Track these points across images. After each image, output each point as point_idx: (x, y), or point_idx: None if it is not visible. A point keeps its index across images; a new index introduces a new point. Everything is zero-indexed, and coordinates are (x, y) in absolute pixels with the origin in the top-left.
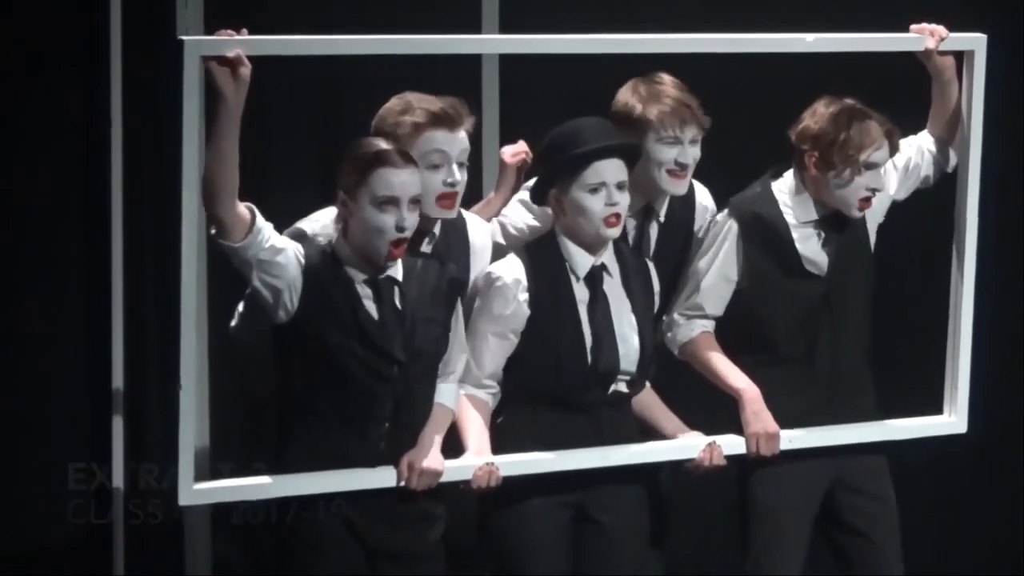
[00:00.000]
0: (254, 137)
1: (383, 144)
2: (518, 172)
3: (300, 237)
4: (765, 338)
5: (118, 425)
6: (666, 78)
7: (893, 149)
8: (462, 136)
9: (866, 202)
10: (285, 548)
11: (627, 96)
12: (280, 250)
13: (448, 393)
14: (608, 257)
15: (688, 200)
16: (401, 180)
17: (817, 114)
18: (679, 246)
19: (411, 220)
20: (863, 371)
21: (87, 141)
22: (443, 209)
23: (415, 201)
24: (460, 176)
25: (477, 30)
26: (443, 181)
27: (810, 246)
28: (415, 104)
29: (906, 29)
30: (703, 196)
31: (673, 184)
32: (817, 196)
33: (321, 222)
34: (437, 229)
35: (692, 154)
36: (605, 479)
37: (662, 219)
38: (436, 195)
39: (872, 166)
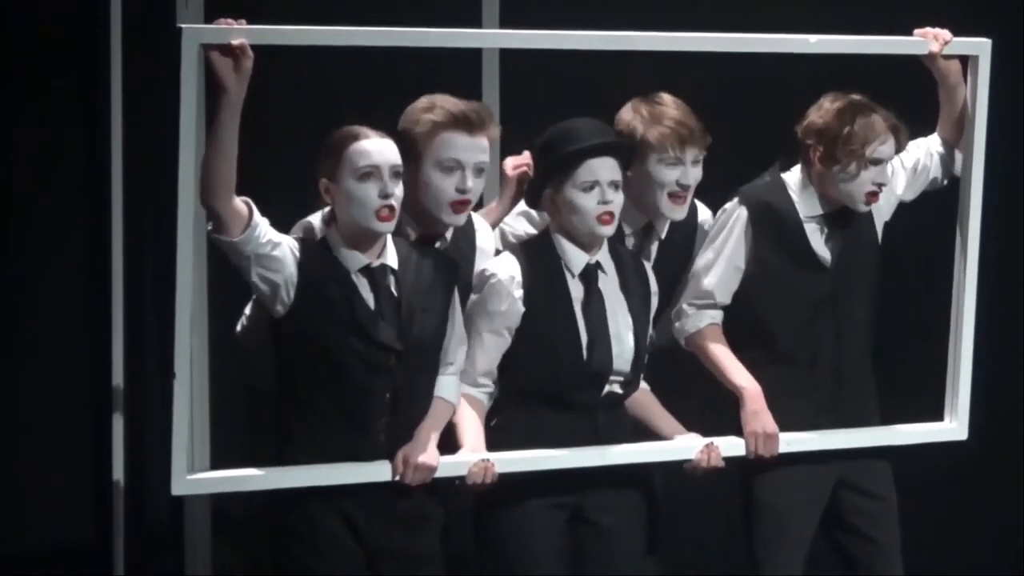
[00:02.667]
0: (253, 134)
1: (356, 126)
2: (519, 183)
3: (307, 230)
4: (766, 336)
5: (118, 424)
6: (667, 98)
7: (899, 145)
8: (482, 143)
9: (873, 196)
10: (284, 548)
11: (628, 117)
12: (276, 244)
13: (448, 387)
14: (603, 256)
15: (689, 221)
16: (377, 148)
17: (822, 109)
18: (679, 265)
19: (394, 188)
20: (866, 373)
21: (87, 137)
22: (455, 214)
23: (396, 173)
24: (473, 183)
25: (477, 25)
26: (455, 187)
27: (815, 241)
28: (438, 104)
29: (912, 32)
30: (703, 214)
31: (673, 209)
32: (823, 191)
33: (313, 222)
34: (449, 235)
35: (694, 175)
36: (601, 481)
37: (663, 237)
38: (449, 201)
39: (877, 161)
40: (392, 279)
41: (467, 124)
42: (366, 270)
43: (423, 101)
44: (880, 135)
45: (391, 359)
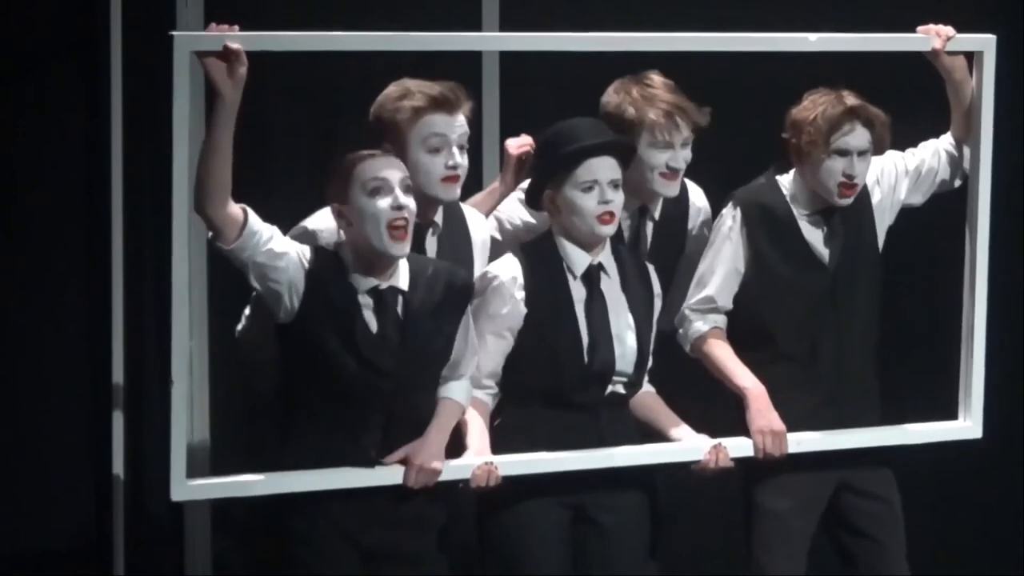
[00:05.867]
0: (254, 138)
1: (361, 150)
2: (521, 163)
3: (305, 236)
4: (767, 335)
5: (118, 425)
6: (656, 79)
7: (877, 139)
8: (461, 120)
9: (846, 188)
10: (283, 548)
11: (618, 98)
12: (280, 254)
13: (459, 389)
14: (605, 257)
15: (681, 200)
16: (385, 163)
17: (802, 102)
18: (675, 245)
19: (407, 202)
20: (868, 373)
21: (87, 141)
22: (448, 187)
23: (407, 186)
24: (461, 159)
25: (477, 28)
26: (445, 164)
27: (813, 238)
28: (413, 89)
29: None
30: (697, 197)
31: (665, 186)
32: (808, 186)
33: (325, 219)
34: (440, 219)
35: (683, 156)
36: (605, 480)
37: (657, 218)
38: (440, 177)
39: (843, 151)
40: (400, 300)
41: (446, 104)
42: (374, 291)
43: (394, 89)
44: (845, 125)
45: (387, 381)
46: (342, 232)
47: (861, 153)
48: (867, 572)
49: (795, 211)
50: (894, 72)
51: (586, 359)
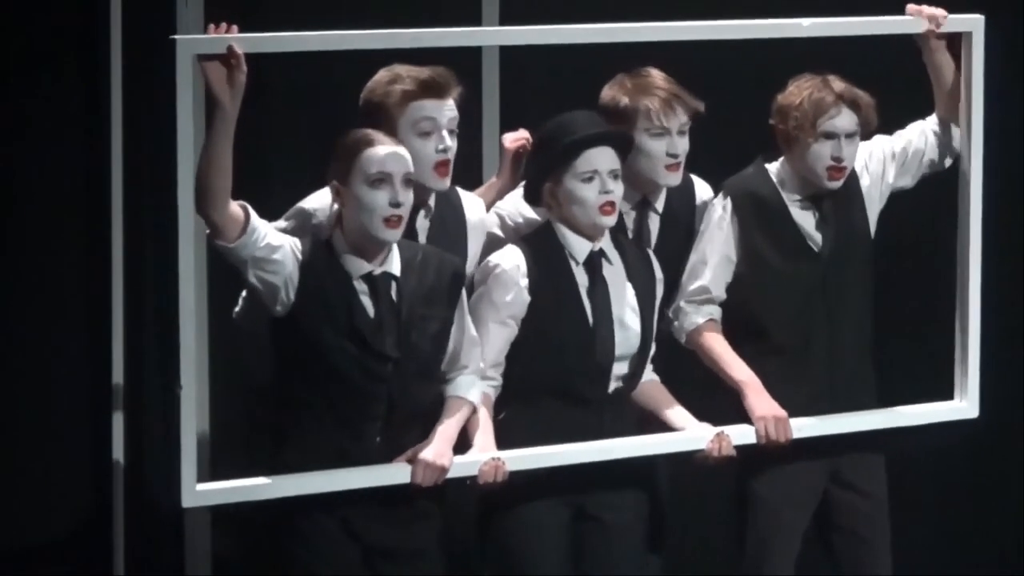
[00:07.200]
0: (254, 134)
1: (370, 131)
2: (518, 157)
3: (302, 215)
4: (759, 328)
5: (118, 425)
6: (653, 72)
7: (864, 121)
8: (450, 104)
9: (835, 172)
10: (282, 547)
11: (613, 90)
12: (276, 247)
13: (466, 385)
14: (607, 245)
15: (686, 191)
16: (391, 156)
17: (788, 88)
18: (680, 237)
19: (405, 197)
20: (863, 362)
21: (87, 141)
22: (439, 177)
23: (408, 180)
24: (451, 143)
25: (477, 22)
26: (435, 148)
27: (805, 224)
28: (403, 74)
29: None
30: (703, 190)
31: (668, 176)
32: (797, 172)
33: (321, 200)
34: (432, 202)
35: (681, 145)
36: (606, 478)
37: (660, 210)
38: (432, 164)
39: (831, 134)
40: (394, 285)
41: (436, 89)
42: (368, 277)
43: (384, 74)
44: (829, 109)
45: (387, 367)
46: (336, 212)
47: (848, 135)
48: (850, 568)
49: (785, 197)
50: (881, 57)
51: (591, 343)
